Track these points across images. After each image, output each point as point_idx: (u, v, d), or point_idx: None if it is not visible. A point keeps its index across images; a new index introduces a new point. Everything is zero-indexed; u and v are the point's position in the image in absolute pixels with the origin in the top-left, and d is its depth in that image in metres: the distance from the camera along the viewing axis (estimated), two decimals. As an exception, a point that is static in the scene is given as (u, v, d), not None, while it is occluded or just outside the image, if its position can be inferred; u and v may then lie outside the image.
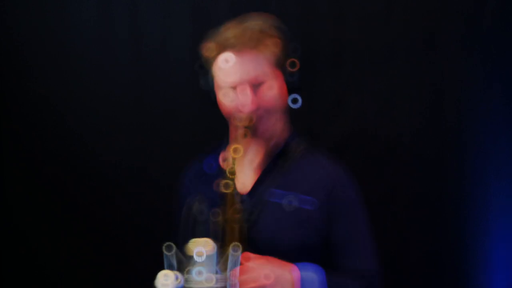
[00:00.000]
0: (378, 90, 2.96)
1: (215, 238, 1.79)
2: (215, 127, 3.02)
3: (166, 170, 3.09)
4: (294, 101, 2.05)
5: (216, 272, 1.73)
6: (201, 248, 1.72)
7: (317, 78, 2.95)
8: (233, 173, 1.90)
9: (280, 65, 1.98)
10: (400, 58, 2.94)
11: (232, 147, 1.91)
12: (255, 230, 1.97)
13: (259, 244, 1.95)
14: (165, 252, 1.74)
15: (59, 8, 3.13)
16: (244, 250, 1.86)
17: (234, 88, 1.96)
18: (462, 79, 2.91)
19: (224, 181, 1.90)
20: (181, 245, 1.74)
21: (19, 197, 3.15)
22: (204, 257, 1.73)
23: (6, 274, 3.16)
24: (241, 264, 1.80)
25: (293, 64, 1.98)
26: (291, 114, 2.12)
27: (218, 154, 2.14)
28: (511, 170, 2.86)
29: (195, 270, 1.73)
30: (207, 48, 1.99)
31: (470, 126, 2.91)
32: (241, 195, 2.02)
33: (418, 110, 2.94)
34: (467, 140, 2.91)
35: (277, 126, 2.04)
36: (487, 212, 2.87)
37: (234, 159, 1.90)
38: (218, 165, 2.10)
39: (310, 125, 2.90)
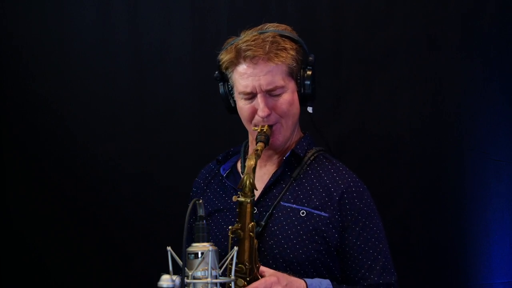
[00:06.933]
0: (378, 90, 2.96)
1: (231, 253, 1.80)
2: (215, 127, 3.06)
3: (165, 170, 3.09)
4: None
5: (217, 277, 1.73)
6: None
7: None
8: (253, 190, 1.91)
9: (294, 75, 2.04)
10: (400, 58, 2.94)
11: (250, 164, 1.91)
12: (262, 242, 1.98)
13: (268, 256, 1.97)
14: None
15: (59, 8, 3.13)
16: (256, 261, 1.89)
17: (251, 95, 2.02)
18: (462, 79, 2.91)
19: (243, 199, 1.91)
20: (183, 247, 1.73)
21: (20, 199, 3.14)
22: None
23: (6, 274, 3.16)
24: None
25: (306, 75, 2.05)
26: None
27: (235, 162, 2.18)
28: (511, 170, 2.86)
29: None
30: (226, 56, 2.04)
31: (470, 126, 2.91)
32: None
33: (418, 110, 2.94)
34: (467, 140, 2.91)
35: (288, 133, 2.07)
36: (487, 212, 2.87)
37: (252, 177, 1.91)
38: (234, 173, 2.14)
39: (310, 125, 2.90)
